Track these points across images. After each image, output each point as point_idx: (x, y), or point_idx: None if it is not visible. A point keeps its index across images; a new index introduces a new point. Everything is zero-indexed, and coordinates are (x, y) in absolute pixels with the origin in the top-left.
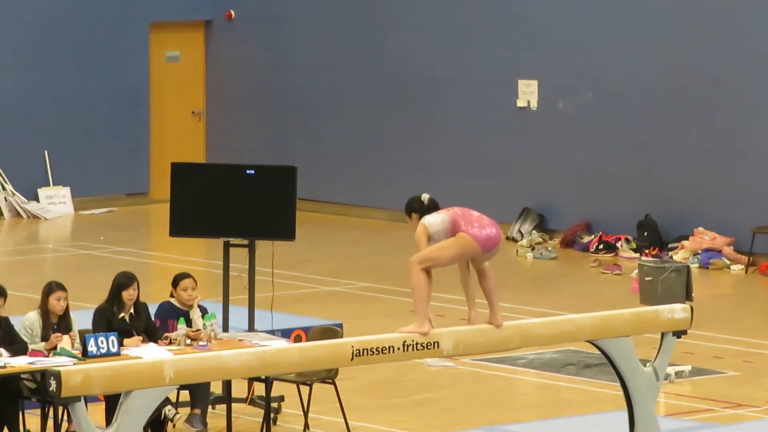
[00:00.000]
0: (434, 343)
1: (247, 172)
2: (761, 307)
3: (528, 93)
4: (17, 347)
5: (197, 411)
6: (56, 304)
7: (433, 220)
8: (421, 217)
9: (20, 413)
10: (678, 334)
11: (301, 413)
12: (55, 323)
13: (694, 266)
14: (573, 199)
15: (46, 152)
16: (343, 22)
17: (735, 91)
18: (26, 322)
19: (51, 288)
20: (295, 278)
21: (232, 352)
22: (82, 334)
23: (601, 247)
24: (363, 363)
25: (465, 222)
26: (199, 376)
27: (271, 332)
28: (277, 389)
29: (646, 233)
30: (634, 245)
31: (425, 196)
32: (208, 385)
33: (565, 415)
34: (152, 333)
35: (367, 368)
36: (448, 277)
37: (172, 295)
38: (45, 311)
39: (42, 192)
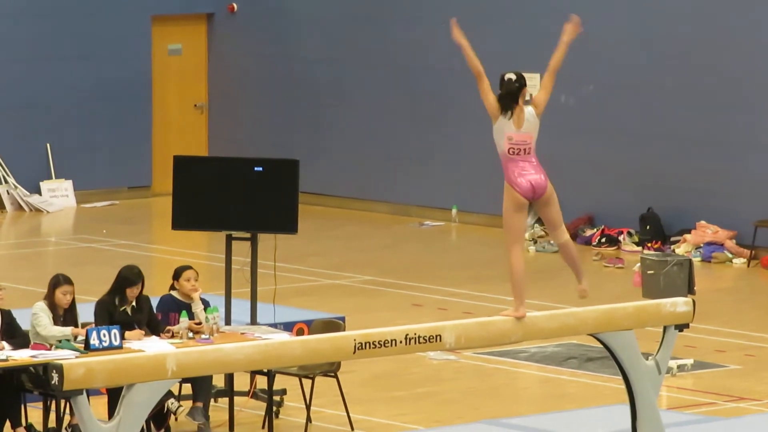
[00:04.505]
0: (436, 336)
1: (255, 168)
2: (763, 301)
3: (530, 86)
4: (19, 340)
5: (199, 404)
6: (62, 298)
7: (501, 124)
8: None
9: (22, 406)
10: (680, 327)
11: (304, 406)
12: (62, 315)
13: (696, 260)
14: (575, 192)
15: (48, 145)
16: (346, 15)
17: (737, 85)
18: (38, 308)
19: (58, 281)
20: (297, 271)
21: (235, 346)
22: (85, 327)
23: (603, 240)
24: (365, 356)
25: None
26: (201, 370)
27: (274, 325)
28: (280, 382)
29: (648, 227)
30: (636, 239)
31: (508, 76)
32: (210, 378)
33: (567, 408)
34: (154, 326)
35: (369, 361)
36: (452, 272)
37: (172, 288)
38: (51, 303)
39: (44, 185)
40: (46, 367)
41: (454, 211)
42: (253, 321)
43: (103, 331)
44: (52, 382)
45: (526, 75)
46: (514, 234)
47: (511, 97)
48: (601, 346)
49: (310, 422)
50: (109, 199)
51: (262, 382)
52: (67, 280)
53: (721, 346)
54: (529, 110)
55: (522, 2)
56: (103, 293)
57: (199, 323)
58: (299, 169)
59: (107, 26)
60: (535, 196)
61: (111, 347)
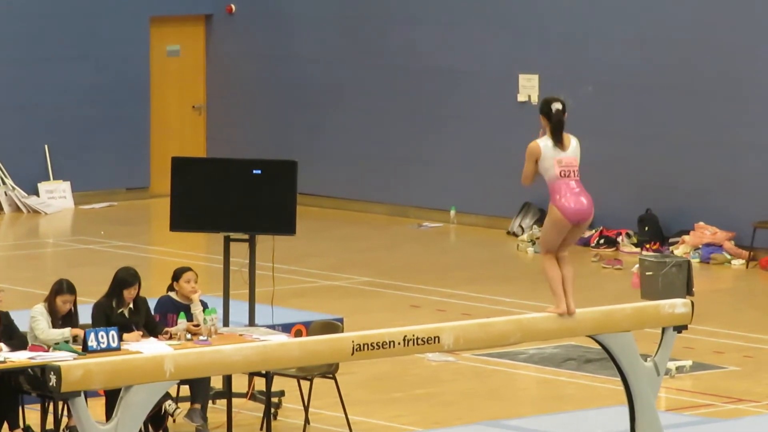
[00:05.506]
0: (435, 337)
1: (254, 171)
2: (762, 302)
3: (529, 87)
4: (17, 342)
5: (197, 406)
6: (62, 306)
7: (546, 153)
8: (548, 123)
9: (20, 408)
10: (679, 328)
11: (302, 408)
12: (60, 319)
13: (694, 261)
14: None
15: (46, 146)
16: (344, 16)
17: (736, 85)
18: (36, 311)
19: (61, 288)
20: (295, 273)
21: (233, 347)
22: (83, 328)
23: (601, 241)
24: (363, 358)
25: (561, 191)
26: (199, 371)
27: (272, 327)
28: (278, 384)
29: (646, 228)
30: (634, 240)
31: (556, 106)
32: (208, 379)
33: (566, 410)
34: (152, 328)
35: (367, 363)
36: (450, 273)
37: (171, 289)
38: (51, 307)
39: (42, 186)
40: (44, 369)
41: (452, 212)
42: (252, 322)
43: (101, 333)
44: (50, 384)
45: (525, 75)
46: (549, 247)
47: (562, 127)
48: (600, 347)
49: (309, 424)
50: (107, 200)
51: (260, 383)
52: (70, 289)
53: (719, 348)
54: (573, 138)
55: (522, 3)
56: (101, 295)
57: (198, 325)
58: (297, 171)
59: (106, 27)
60: (579, 222)
61: (109, 349)
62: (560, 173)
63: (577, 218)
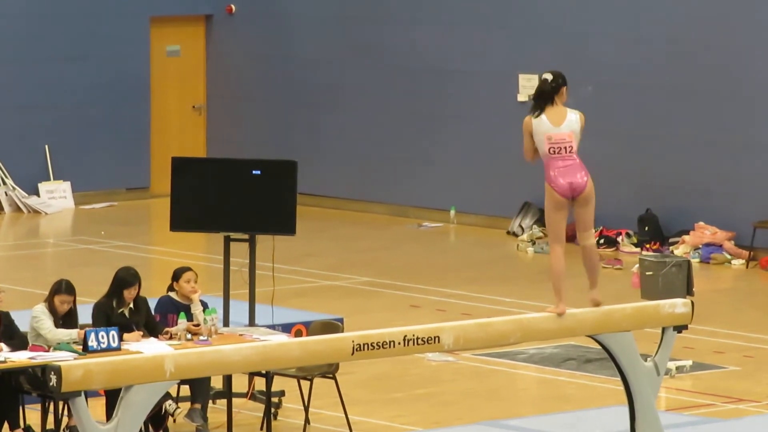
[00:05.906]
0: (435, 337)
1: (254, 171)
2: (762, 302)
3: (529, 87)
4: (17, 342)
5: (198, 405)
6: (60, 306)
7: (538, 128)
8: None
9: (20, 408)
10: (679, 328)
11: (302, 408)
12: (60, 319)
13: (694, 261)
14: None
15: (46, 147)
16: (344, 16)
17: (736, 85)
18: (38, 311)
19: (60, 288)
20: (295, 273)
21: (233, 347)
22: (83, 328)
23: (601, 241)
24: (363, 358)
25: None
26: (199, 371)
27: (272, 327)
28: (278, 384)
29: (646, 228)
30: (634, 240)
31: (545, 76)
32: (208, 379)
33: (566, 409)
34: (152, 328)
35: (367, 363)
36: (450, 273)
37: (171, 289)
38: (51, 308)
39: (42, 186)
40: (45, 369)
41: (452, 212)
42: (252, 322)
43: (102, 333)
44: (51, 384)
45: (525, 75)
46: (554, 233)
47: (543, 96)
48: (600, 347)
49: (309, 424)
50: (107, 200)
51: (260, 383)
52: (69, 290)
53: (719, 348)
54: (573, 113)
55: (522, 3)
56: (101, 295)
57: (198, 325)
58: (297, 171)
59: (106, 27)
60: (574, 195)
61: (109, 349)
62: (549, 150)
63: (570, 192)
